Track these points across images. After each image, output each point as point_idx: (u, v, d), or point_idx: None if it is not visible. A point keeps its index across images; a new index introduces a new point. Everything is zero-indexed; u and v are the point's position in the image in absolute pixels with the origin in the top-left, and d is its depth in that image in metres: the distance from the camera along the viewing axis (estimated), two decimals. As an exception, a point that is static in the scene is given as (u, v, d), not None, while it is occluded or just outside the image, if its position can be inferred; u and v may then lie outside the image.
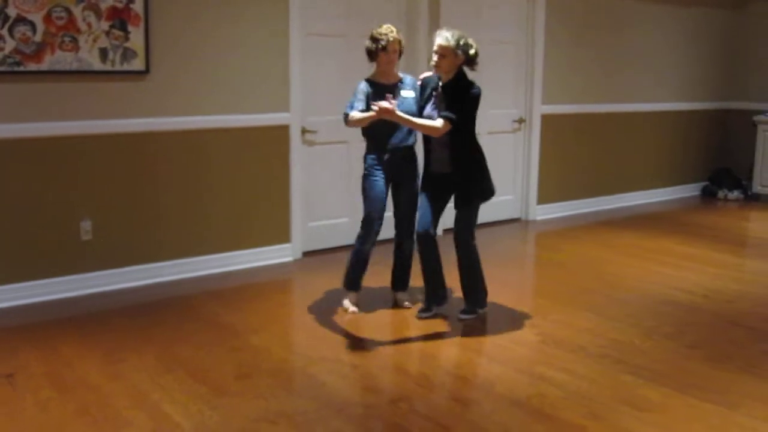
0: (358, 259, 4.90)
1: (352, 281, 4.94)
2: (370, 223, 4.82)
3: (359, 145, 6.35)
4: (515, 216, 7.75)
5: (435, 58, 4.51)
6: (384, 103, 4.35)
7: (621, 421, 3.42)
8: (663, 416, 3.48)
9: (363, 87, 4.71)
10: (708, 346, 4.37)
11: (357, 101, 4.66)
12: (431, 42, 6.53)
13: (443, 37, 4.51)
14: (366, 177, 4.82)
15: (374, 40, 4.64)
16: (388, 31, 4.65)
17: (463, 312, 4.79)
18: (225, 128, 5.54)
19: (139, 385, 3.72)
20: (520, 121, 7.56)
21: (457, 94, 4.51)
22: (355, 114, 4.60)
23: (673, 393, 3.72)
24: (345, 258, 6.06)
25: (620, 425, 3.38)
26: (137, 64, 5.12)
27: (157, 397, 3.60)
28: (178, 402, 3.55)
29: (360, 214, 6.52)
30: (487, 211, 7.40)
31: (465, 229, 4.74)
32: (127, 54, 5.06)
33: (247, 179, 5.71)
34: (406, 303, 4.99)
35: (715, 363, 4.12)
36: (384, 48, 4.61)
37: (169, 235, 5.41)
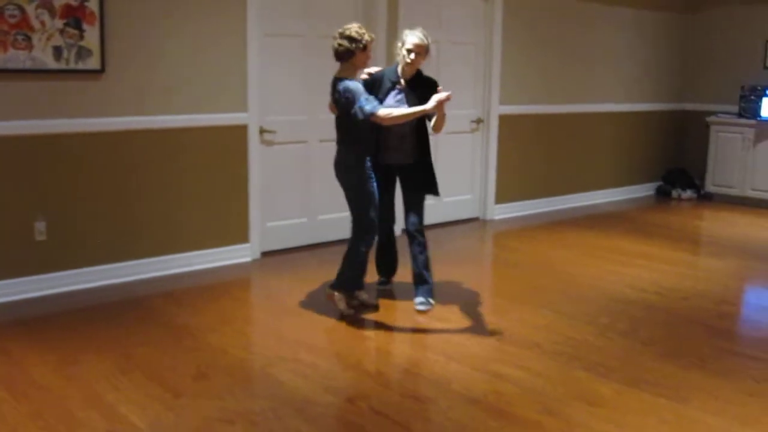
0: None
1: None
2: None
3: (318, 145, 6.39)
4: (473, 215, 7.81)
5: (412, 56, 4.71)
6: (444, 95, 4.50)
7: (575, 416, 3.47)
8: (616, 411, 3.54)
9: (361, 85, 4.70)
10: (661, 343, 4.45)
11: (372, 98, 4.62)
12: (390, 41, 6.57)
13: (418, 37, 4.73)
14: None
15: (352, 40, 4.61)
16: (363, 30, 4.67)
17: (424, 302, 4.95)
18: (182, 128, 5.51)
19: (94, 387, 3.68)
20: (478, 121, 7.62)
21: (427, 88, 4.74)
22: (402, 110, 4.62)
23: (626, 388, 3.78)
24: (304, 258, 6.10)
25: (574, 420, 3.43)
26: (92, 63, 5.06)
27: (112, 398, 3.57)
28: (134, 403, 3.52)
29: (319, 214, 6.55)
30: (445, 211, 7.47)
31: (422, 220, 4.99)
32: (82, 53, 5.00)
33: (204, 179, 5.67)
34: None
35: (667, 359, 4.20)
36: (364, 47, 4.64)
37: (126, 236, 5.36)
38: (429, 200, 7.39)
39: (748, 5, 9.27)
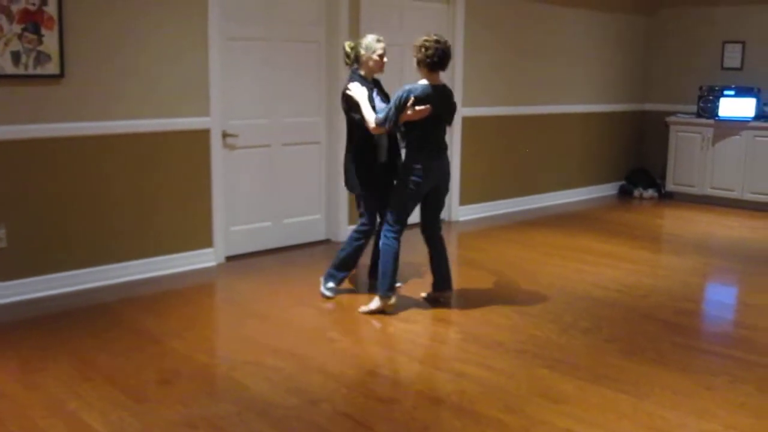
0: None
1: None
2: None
3: (281, 148, 6.39)
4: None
5: (385, 59, 5.07)
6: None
7: (537, 413, 3.52)
8: (577, 407, 3.59)
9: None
10: (622, 340, 4.52)
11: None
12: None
13: (384, 43, 5.06)
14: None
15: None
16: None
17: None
18: (143, 133, 5.47)
19: (57, 394, 3.66)
20: (442, 123, 7.66)
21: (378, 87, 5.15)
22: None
23: (587, 385, 3.84)
24: (269, 262, 6.09)
25: (536, 417, 3.48)
26: (51, 68, 5.02)
27: (74, 405, 3.55)
28: (96, 410, 3.50)
29: (283, 217, 6.56)
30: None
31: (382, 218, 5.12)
32: (41, 58, 4.96)
33: (167, 184, 5.65)
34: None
35: (628, 355, 4.27)
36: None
37: (87, 242, 5.31)
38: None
39: (706, 7, 9.44)
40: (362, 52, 5.04)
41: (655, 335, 4.61)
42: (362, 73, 5.06)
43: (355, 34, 6.63)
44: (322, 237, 6.83)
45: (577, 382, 3.87)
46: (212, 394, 3.73)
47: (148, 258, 5.61)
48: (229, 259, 6.11)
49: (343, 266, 5.21)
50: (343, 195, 6.75)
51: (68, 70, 5.08)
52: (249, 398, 3.65)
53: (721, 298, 5.63)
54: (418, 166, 4.77)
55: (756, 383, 3.90)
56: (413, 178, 4.78)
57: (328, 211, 6.83)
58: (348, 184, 5.18)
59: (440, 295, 5.11)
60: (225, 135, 5.98)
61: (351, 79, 5.04)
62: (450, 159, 7.63)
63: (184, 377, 3.88)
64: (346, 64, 5.21)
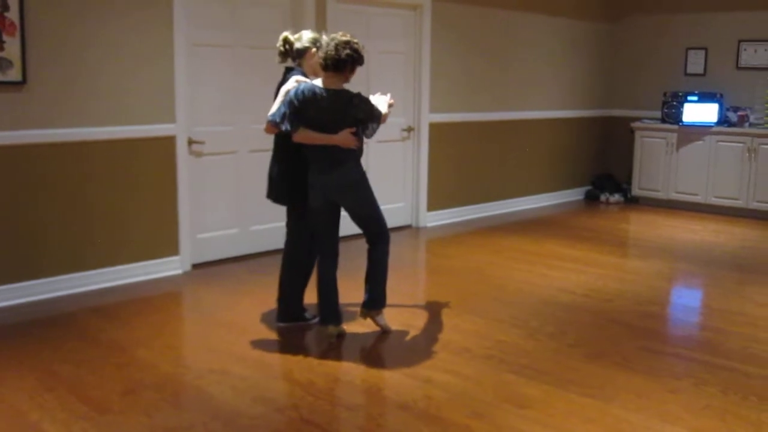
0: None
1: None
2: None
3: (247, 155, 6.36)
4: (406, 223, 7.86)
5: None
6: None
7: (504, 418, 3.53)
8: (543, 412, 3.60)
9: None
10: (588, 344, 4.55)
11: None
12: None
13: None
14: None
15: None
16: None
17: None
18: (107, 140, 5.42)
19: (18, 406, 3.59)
20: (409, 129, 7.68)
21: None
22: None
23: (553, 389, 3.85)
24: (236, 269, 6.05)
25: (503, 423, 3.48)
26: (13, 74, 4.95)
27: (36, 417, 3.49)
28: (59, 421, 3.45)
29: (251, 224, 6.53)
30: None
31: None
32: (2, 64, 4.89)
33: (131, 191, 5.59)
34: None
35: (593, 359, 4.29)
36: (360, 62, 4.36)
37: (50, 251, 5.24)
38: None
39: (670, 14, 9.57)
40: (311, 47, 4.51)
41: (621, 339, 4.65)
42: (303, 71, 4.53)
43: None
44: (289, 244, 6.79)
45: (543, 386, 3.89)
46: (177, 404, 3.69)
47: (113, 266, 5.54)
48: (195, 266, 6.06)
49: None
50: (310, 201, 6.73)
51: (31, 76, 5.01)
52: (214, 407, 3.61)
53: (685, 301, 5.69)
54: (310, 182, 4.45)
55: (720, 386, 3.94)
56: (309, 195, 4.49)
57: (295, 217, 6.80)
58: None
59: (366, 313, 4.64)
60: (191, 142, 5.94)
61: (292, 75, 4.47)
62: (417, 165, 7.72)
63: (149, 387, 3.83)
64: (283, 59, 4.63)
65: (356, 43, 4.27)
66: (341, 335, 4.58)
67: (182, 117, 5.81)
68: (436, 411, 3.59)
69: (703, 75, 9.35)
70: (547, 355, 4.35)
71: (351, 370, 4.10)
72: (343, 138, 4.30)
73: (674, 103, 9.09)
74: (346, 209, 4.51)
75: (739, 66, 9.07)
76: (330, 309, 4.56)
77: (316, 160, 4.39)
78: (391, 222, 7.58)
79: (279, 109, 4.30)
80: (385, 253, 4.57)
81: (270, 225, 6.62)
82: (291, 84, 4.36)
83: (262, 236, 6.57)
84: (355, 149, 4.39)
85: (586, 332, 4.77)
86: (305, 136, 4.31)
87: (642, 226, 8.32)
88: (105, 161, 5.42)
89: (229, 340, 4.53)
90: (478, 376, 4.01)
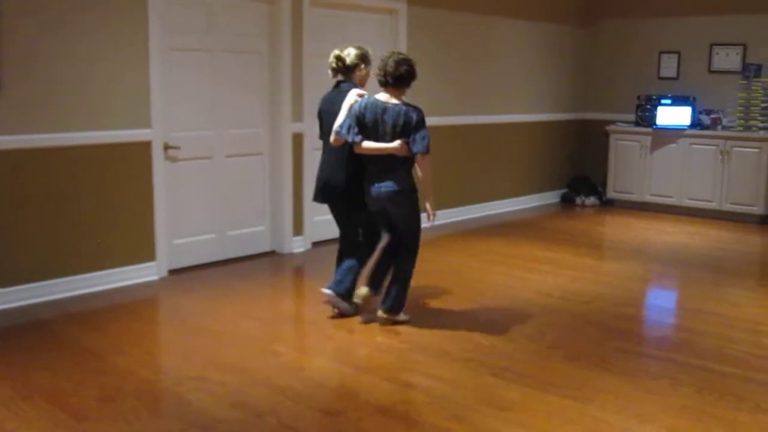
0: None
1: None
2: None
3: (224, 160, 6.34)
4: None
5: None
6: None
7: (484, 421, 3.54)
8: (523, 414, 3.62)
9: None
10: (566, 346, 4.58)
11: None
12: (295, 56, 6.60)
13: None
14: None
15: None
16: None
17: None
18: (82, 145, 5.36)
19: (-7, 415, 3.55)
20: (386, 133, 7.68)
21: None
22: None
23: (532, 392, 3.87)
24: (213, 275, 6.03)
25: (483, 426, 3.49)
26: (-14, 80, 4.90)
27: (13, 425, 3.45)
28: (36, 429, 3.41)
29: (228, 229, 6.50)
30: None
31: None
32: (-26, 70, 4.84)
33: (107, 197, 5.54)
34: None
35: (572, 361, 4.32)
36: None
37: (25, 258, 5.18)
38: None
39: (643, 19, 9.66)
40: (360, 63, 4.95)
41: (598, 341, 4.68)
42: (354, 83, 4.95)
43: (298, 45, 6.63)
44: (267, 249, 6.78)
45: (522, 389, 3.91)
46: (155, 411, 3.66)
47: (89, 273, 5.49)
48: (172, 272, 6.02)
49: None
50: (287, 206, 6.72)
51: (5, 82, 4.95)
52: (193, 414, 3.59)
53: (661, 302, 5.74)
54: (366, 189, 4.80)
55: (695, 386, 3.97)
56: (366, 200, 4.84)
57: (272, 222, 6.79)
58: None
59: (383, 316, 4.90)
60: (167, 147, 5.90)
61: (345, 87, 4.90)
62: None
63: (127, 394, 3.80)
64: (334, 74, 5.01)
65: (412, 60, 4.75)
66: (367, 300, 4.94)
67: (158, 122, 5.77)
68: (416, 415, 3.59)
69: (676, 78, 9.45)
70: (526, 358, 4.37)
71: (330, 375, 4.10)
72: (398, 146, 4.59)
73: (648, 106, 9.17)
74: (390, 214, 4.80)
75: (711, 69, 9.18)
76: (375, 280, 4.99)
77: (371, 168, 4.74)
78: (368, 226, 7.61)
79: (345, 122, 4.67)
80: (412, 258, 4.94)
81: (247, 230, 6.60)
82: (353, 98, 4.73)
83: (239, 241, 6.55)
84: (407, 159, 4.70)
85: (564, 334, 4.80)
86: (366, 147, 4.66)
87: (617, 228, 8.39)
88: (80, 167, 5.37)
89: (206, 346, 4.50)
90: (458, 379, 4.02)
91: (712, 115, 8.91)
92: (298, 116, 6.73)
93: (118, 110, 5.52)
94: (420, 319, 5.03)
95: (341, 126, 4.68)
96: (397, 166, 4.68)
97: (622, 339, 4.72)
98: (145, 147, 5.72)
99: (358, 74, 4.96)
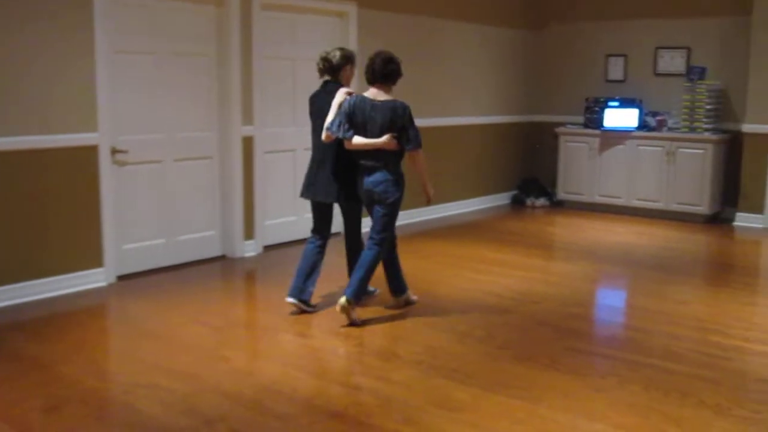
0: None
1: None
2: None
3: (173, 164, 6.27)
4: (335, 231, 7.82)
5: None
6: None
7: (434, 423, 3.55)
8: (473, 415, 3.64)
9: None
10: (515, 346, 4.62)
11: None
12: (245, 58, 6.56)
13: None
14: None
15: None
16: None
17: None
18: (26, 150, 5.26)
19: (-68, 428, 3.46)
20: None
21: None
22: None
23: (482, 392, 3.90)
24: (163, 280, 5.96)
25: (433, 427, 3.50)
26: (-76, 83, 4.78)
27: (-47, 438, 3.37)
28: (-24, 442, 3.34)
29: (178, 234, 6.43)
30: (307, 227, 7.47)
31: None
32: None
33: (54, 202, 5.44)
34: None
35: (521, 361, 4.36)
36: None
37: (-33, 265, 5.07)
38: (291, 217, 7.42)
39: (591, 22, 9.81)
40: (346, 64, 5.13)
41: (548, 340, 4.73)
42: (340, 83, 5.14)
43: (247, 48, 6.59)
44: (217, 253, 6.73)
45: (472, 390, 3.93)
46: (102, 420, 3.60)
47: (34, 280, 5.38)
48: (121, 278, 5.94)
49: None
50: (238, 210, 6.68)
51: (-58, 85, 4.84)
52: (141, 422, 3.54)
53: (610, 302, 5.83)
54: (358, 182, 5.04)
55: (642, 383, 4.04)
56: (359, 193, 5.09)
57: (223, 226, 6.73)
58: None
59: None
60: (114, 151, 5.82)
61: (331, 87, 5.09)
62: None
63: (73, 403, 3.73)
64: (321, 75, 5.22)
65: (397, 59, 4.99)
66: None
67: (105, 125, 5.68)
68: (366, 418, 3.59)
69: (623, 81, 9.61)
70: (476, 359, 4.40)
71: (280, 380, 4.07)
72: (386, 141, 4.84)
73: (596, 108, 9.31)
74: (377, 202, 4.99)
75: (656, 72, 9.36)
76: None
77: (362, 163, 4.95)
78: (320, 229, 7.59)
79: (335, 119, 4.87)
80: (380, 246, 5.01)
81: (197, 235, 6.53)
82: (342, 96, 4.93)
83: (189, 246, 6.48)
84: (396, 153, 4.96)
85: (514, 335, 4.85)
86: (357, 143, 4.87)
87: (567, 229, 8.49)
88: (24, 171, 5.27)
89: (156, 352, 4.45)
90: (409, 382, 4.02)
91: (658, 117, 9.08)
92: (248, 119, 6.69)
93: (63, 114, 5.43)
94: (371, 322, 5.03)
95: (332, 123, 4.87)
96: (388, 159, 4.93)
97: (571, 338, 4.78)
98: (91, 151, 5.63)
99: (344, 74, 5.16)
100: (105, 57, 5.64)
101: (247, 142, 6.72)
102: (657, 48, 9.33)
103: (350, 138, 4.87)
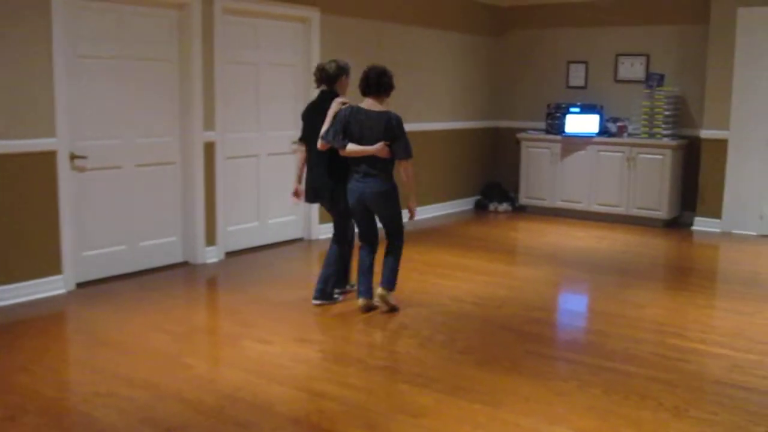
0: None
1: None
2: None
3: (134, 169, 6.21)
4: (298, 236, 7.83)
5: None
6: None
7: (396, 428, 3.55)
8: (436, 420, 3.65)
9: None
10: (477, 351, 4.64)
11: None
12: (206, 64, 6.52)
13: None
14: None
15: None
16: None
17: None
18: (-17, 156, 5.19)
19: None
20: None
21: None
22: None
23: (445, 397, 3.91)
24: (123, 287, 5.89)
25: (395, 433, 3.51)
26: None
27: None
28: (-70, 454, 3.27)
29: (138, 240, 6.36)
30: (270, 232, 7.46)
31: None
32: None
33: (10, 208, 5.35)
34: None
35: (483, 366, 4.38)
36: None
37: None
38: (253, 223, 7.40)
39: (552, 29, 9.91)
40: (341, 74, 5.44)
41: (510, 345, 4.76)
42: (336, 92, 5.44)
43: (209, 53, 6.55)
44: (179, 259, 6.67)
45: (435, 395, 3.94)
46: (61, 430, 3.55)
47: (-10, 288, 5.30)
48: (80, 285, 5.86)
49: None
50: (199, 216, 6.63)
51: None
52: (100, 431, 3.50)
53: (570, 306, 5.89)
54: (348, 186, 5.28)
55: (602, 386, 4.09)
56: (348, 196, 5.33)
57: (184, 233, 6.68)
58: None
59: (381, 294, 5.36)
60: (73, 157, 5.74)
61: (326, 96, 5.40)
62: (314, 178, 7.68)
63: (30, 413, 3.67)
64: (318, 84, 5.50)
65: (390, 72, 5.25)
66: (370, 308, 5.35)
67: (64, 131, 5.61)
68: (329, 425, 3.58)
69: (584, 87, 9.73)
70: (439, 363, 4.41)
71: (242, 387, 4.05)
72: (378, 148, 5.09)
73: (557, 114, 9.40)
74: (374, 211, 5.31)
75: (617, 79, 9.48)
76: (364, 286, 5.35)
77: (355, 169, 5.22)
78: (283, 235, 7.60)
79: (330, 128, 5.16)
80: (399, 247, 5.42)
81: (158, 241, 6.48)
82: (337, 106, 5.22)
83: (150, 252, 6.42)
84: (387, 161, 5.19)
85: (476, 339, 4.87)
86: (351, 150, 5.13)
87: (529, 233, 8.56)
88: (-20, 178, 5.18)
89: (115, 360, 4.39)
90: (371, 387, 4.02)
91: (619, 123, 9.20)
92: (210, 125, 6.65)
93: (20, 119, 5.35)
94: (333, 327, 5.02)
95: (327, 132, 5.16)
96: (380, 166, 5.18)
97: (533, 342, 4.82)
98: (50, 157, 5.56)
99: (340, 84, 5.46)
100: (64, 62, 5.57)
101: (209, 148, 6.68)
102: (617, 55, 9.46)
103: (344, 146, 5.12)
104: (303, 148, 5.61)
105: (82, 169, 5.85)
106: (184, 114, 6.54)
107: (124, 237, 6.22)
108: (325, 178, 5.39)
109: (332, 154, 5.29)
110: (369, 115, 5.13)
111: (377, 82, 5.16)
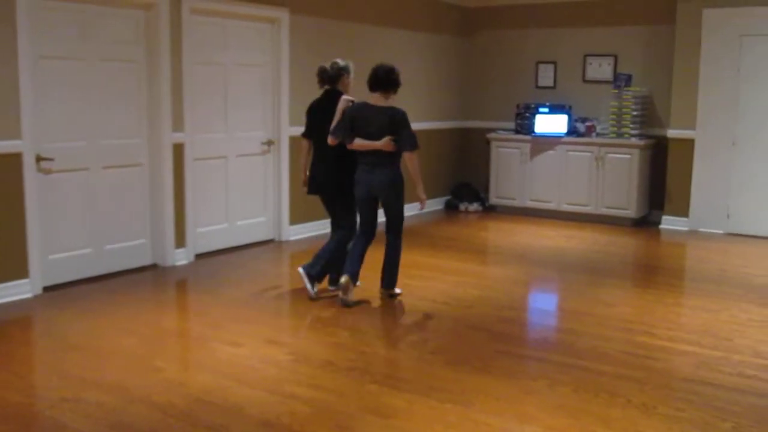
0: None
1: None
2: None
3: (101, 171, 6.14)
4: (268, 237, 7.80)
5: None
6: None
7: (368, 429, 3.55)
8: (407, 421, 3.65)
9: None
10: (448, 351, 4.65)
11: None
12: (174, 63, 6.47)
13: None
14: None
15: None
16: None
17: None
18: (-54, 158, 5.10)
19: None
20: (269, 143, 7.64)
21: None
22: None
23: (416, 398, 3.91)
24: (90, 290, 5.82)
25: (366, 434, 3.51)
26: None
27: None
28: None
29: (105, 243, 6.29)
30: (239, 234, 7.42)
31: None
32: None
33: (-26, 212, 5.28)
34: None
35: (454, 366, 4.39)
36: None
37: None
38: (223, 224, 7.35)
39: (521, 30, 9.97)
40: (344, 73, 5.68)
41: (480, 344, 4.78)
42: (340, 90, 5.68)
43: (177, 54, 6.51)
44: (148, 262, 6.61)
45: (405, 395, 3.94)
46: (27, 435, 3.50)
47: (-45, 292, 5.21)
48: (47, 289, 5.78)
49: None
50: (169, 218, 6.58)
51: None
52: (67, 437, 3.46)
53: (540, 305, 5.92)
54: (356, 178, 5.55)
55: (572, 385, 4.11)
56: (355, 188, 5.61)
57: (153, 235, 6.62)
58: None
59: (384, 292, 5.74)
60: (39, 159, 5.67)
61: (333, 95, 5.66)
62: (278, 178, 7.68)
63: (-5, 419, 3.62)
64: (322, 84, 5.75)
65: (398, 70, 5.51)
66: (347, 292, 5.48)
67: (29, 133, 5.53)
68: (299, 427, 3.57)
69: (553, 88, 9.80)
70: (409, 364, 4.41)
71: (212, 390, 4.02)
72: (385, 143, 5.37)
73: (526, 114, 9.46)
74: (382, 200, 5.58)
75: (585, 79, 9.56)
76: (352, 268, 5.53)
77: (363, 162, 5.49)
78: (253, 237, 7.56)
79: (339, 124, 5.46)
80: (399, 246, 5.72)
81: (126, 243, 6.41)
82: (344, 104, 5.52)
83: (118, 255, 6.36)
84: (394, 154, 5.44)
85: (447, 339, 4.88)
86: (358, 144, 5.42)
87: (499, 233, 8.60)
88: (-57, 181, 5.10)
89: (83, 365, 4.34)
90: (342, 389, 4.02)
91: (587, 123, 9.28)
92: (178, 126, 6.60)
93: (-16, 121, 5.27)
94: (303, 329, 5.01)
95: (335, 128, 5.46)
96: (387, 159, 5.44)
97: (503, 342, 4.84)
98: (15, 158, 5.48)
99: (343, 82, 5.71)
100: (29, 63, 5.49)
101: (178, 149, 6.62)
102: (585, 55, 9.54)
103: (352, 141, 5.41)
104: (306, 143, 5.85)
105: (48, 171, 5.77)
106: (152, 115, 6.48)
107: (91, 239, 6.16)
108: (330, 173, 5.64)
109: (340, 148, 5.53)
110: (375, 110, 5.40)
111: (386, 79, 5.41)
